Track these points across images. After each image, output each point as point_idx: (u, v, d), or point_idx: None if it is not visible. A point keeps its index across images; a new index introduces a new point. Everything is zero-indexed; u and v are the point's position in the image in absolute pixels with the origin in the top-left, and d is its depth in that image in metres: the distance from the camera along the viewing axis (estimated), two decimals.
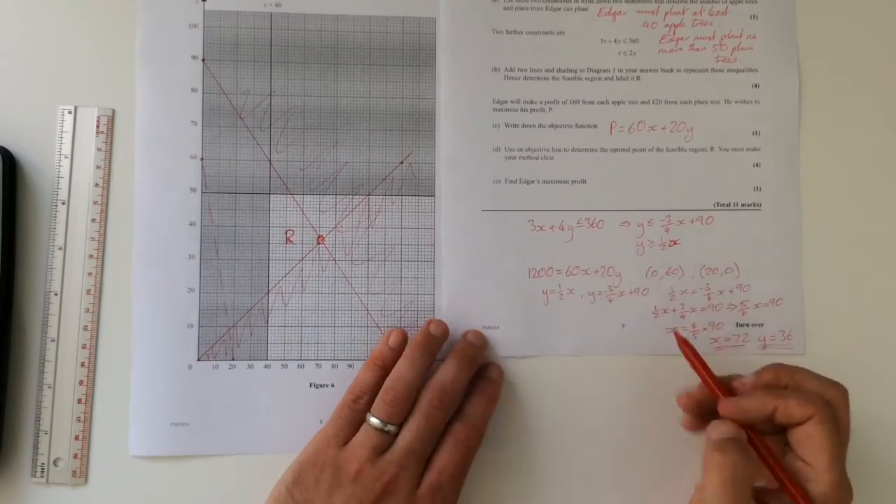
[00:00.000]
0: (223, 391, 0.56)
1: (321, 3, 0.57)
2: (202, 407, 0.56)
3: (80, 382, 0.56)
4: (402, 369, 0.53)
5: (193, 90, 0.57)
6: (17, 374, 0.56)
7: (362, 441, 0.52)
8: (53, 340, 0.56)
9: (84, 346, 0.56)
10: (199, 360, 0.56)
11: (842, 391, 0.50)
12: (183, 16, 0.57)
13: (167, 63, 0.57)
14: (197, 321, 0.57)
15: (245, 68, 0.57)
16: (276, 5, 0.57)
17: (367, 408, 0.53)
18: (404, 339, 0.55)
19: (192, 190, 0.57)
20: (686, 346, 0.53)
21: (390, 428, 0.52)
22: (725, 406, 0.50)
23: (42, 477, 0.55)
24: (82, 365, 0.56)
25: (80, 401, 0.56)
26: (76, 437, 0.55)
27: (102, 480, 0.56)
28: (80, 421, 0.56)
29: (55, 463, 0.55)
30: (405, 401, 0.52)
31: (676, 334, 0.54)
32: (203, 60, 0.57)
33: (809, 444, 0.48)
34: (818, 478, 0.47)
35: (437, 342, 0.55)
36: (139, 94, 0.57)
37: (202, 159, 0.57)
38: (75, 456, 0.55)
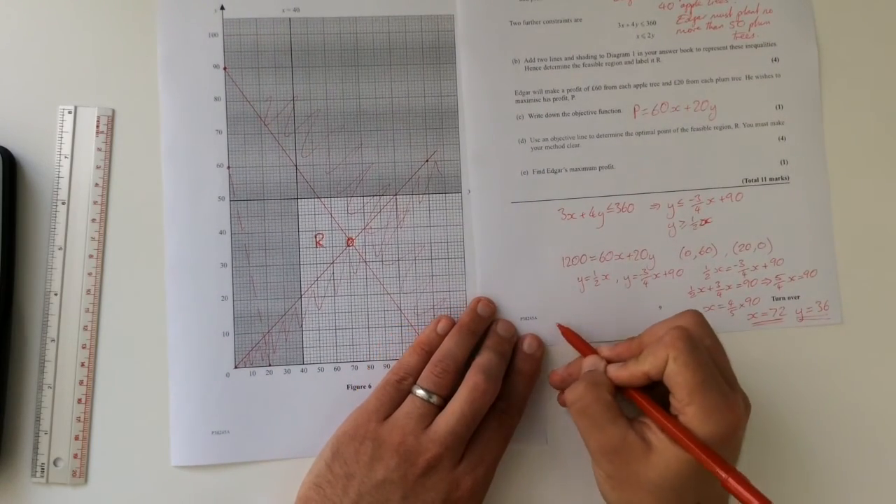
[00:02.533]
0: (261, 397, 0.56)
1: (339, 5, 0.58)
2: (242, 414, 0.56)
3: (80, 382, 0.56)
4: (451, 346, 0.54)
5: (217, 99, 0.57)
6: (17, 374, 0.56)
7: (408, 411, 0.52)
8: (53, 340, 0.55)
9: (84, 346, 0.56)
10: (235, 367, 0.56)
11: (692, 315, 0.51)
12: (202, 26, 0.57)
13: (189, 73, 0.57)
14: (232, 329, 0.56)
15: (266, 75, 0.57)
16: (294, 10, 0.57)
17: (411, 389, 0.54)
18: (452, 326, 0.56)
19: (221, 199, 0.57)
20: (570, 334, 0.56)
21: (435, 399, 0.52)
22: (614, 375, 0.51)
23: (42, 477, 0.55)
24: (82, 365, 0.56)
25: (79, 401, 0.55)
26: (76, 437, 0.55)
27: (102, 481, 0.56)
28: (79, 421, 0.55)
29: (55, 463, 0.55)
30: (453, 374, 0.53)
31: (559, 326, 0.57)
32: (225, 69, 0.57)
33: (671, 382, 0.48)
34: (682, 411, 0.47)
35: (484, 322, 0.56)
36: (163, 105, 0.57)
37: (229, 167, 0.57)
38: (75, 456, 0.55)
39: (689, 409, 0.47)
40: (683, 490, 0.48)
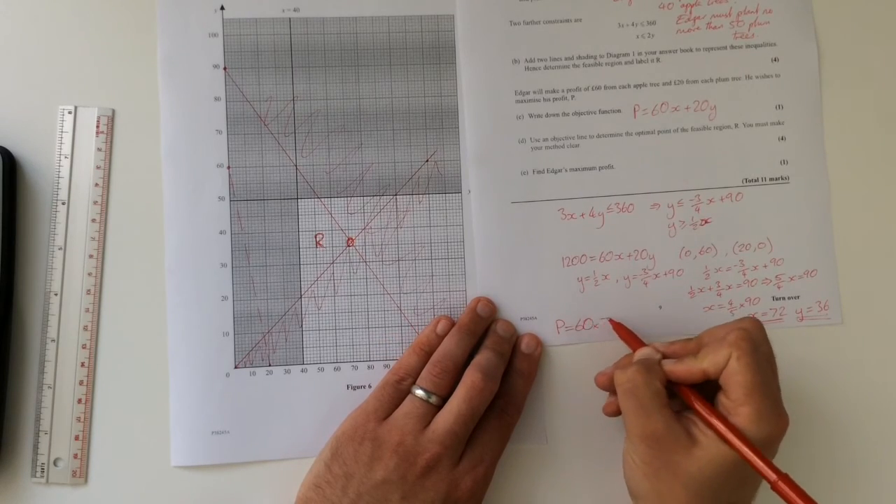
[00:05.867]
0: (261, 397, 0.56)
1: (339, 5, 0.58)
2: (241, 414, 0.56)
3: (80, 382, 0.56)
4: (450, 346, 0.54)
5: (217, 99, 0.57)
6: (17, 374, 0.56)
7: (407, 411, 0.52)
8: (53, 340, 0.56)
9: (84, 346, 0.56)
10: (236, 367, 0.56)
11: (753, 321, 0.50)
12: (202, 25, 0.57)
13: (189, 73, 0.57)
14: (232, 329, 0.56)
15: (267, 75, 0.57)
16: (295, 10, 0.57)
17: (410, 389, 0.54)
18: (452, 326, 0.56)
19: (221, 199, 0.57)
20: (622, 330, 0.56)
21: (434, 399, 0.53)
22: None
23: (42, 477, 0.55)
24: (82, 365, 0.56)
25: (80, 401, 0.55)
26: (76, 437, 0.55)
27: (103, 481, 0.56)
28: (80, 421, 0.55)
29: (55, 463, 0.55)
30: (452, 374, 0.53)
31: (610, 321, 0.57)
32: (225, 69, 0.57)
33: (729, 381, 0.48)
34: (735, 411, 0.47)
35: (483, 322, 0.56)
36: (163, 105, 0.57)
37: (229, 167, 0.57)
38: (75, 456, 0.55)
39: (744, 409, 0.47)
40: (720, 488, 0.48)
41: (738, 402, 0.47)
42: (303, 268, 0.57)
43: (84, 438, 0.55)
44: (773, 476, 0.45)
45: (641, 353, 0.53)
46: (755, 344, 0.48)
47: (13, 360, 0.56)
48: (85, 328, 0.56)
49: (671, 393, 0.50)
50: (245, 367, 0.56)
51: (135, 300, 0.56)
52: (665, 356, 0.52)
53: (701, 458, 0.47)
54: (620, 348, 0.56)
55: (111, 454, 0.56)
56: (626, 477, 0.51)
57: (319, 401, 0.56)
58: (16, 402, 0.55)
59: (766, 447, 0.47)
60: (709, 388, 0.50)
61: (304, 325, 0.57)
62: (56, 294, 0.56)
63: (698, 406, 0.49)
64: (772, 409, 0.48)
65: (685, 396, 0.50)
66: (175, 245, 0.56)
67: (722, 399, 0.49)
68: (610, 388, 0.54)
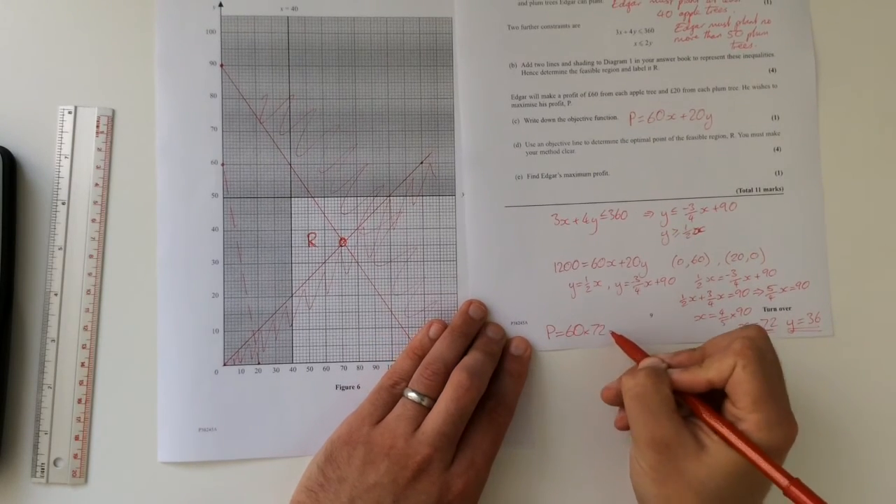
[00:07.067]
0: (250, 395, 0.56)
1: (337, 5, 0.58)
2: (229, 412, 0.56)
3: (80, 382, 0.56)
4: (442, 349, 0.54)
5: (213, 96, 0.57)
6: (17, 374, 0.56)
7: (399, 414, 0.52)
8: (53, 340, 0.55)
9: (84, 346, 0.56)
10: (224, 364, 0.56)
11: (758, 329, 0.50)
12: (200, 22, 0.57)
13: (186, 69, 0.57)
14: (222, 326, 0.56)
15: (263, 73, 0.57)
16: (293, 9, 0.57)
17: (403, 393, 0.53)
18: (444, 330, 0.56)
19: (214, 195, 0.57)
20: (624, 342, 0.55)
21: (426, 401, 0.52)
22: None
23: (42, 477, 0.55)
24: (82, 365, 0.56)
25: (80, 401, 0.55)
26: (76, 437, 0.55)
27: (102, 480, 0.56)
28: (80, 421, 0.55)
29: (55, 463, 0.55)
30: (443, 376, 0.53)
31: (612, 334, 0.56)
32: (221, 66, 0.57)
33: (736, 390, 0.48)
34: (744, 419, 0.48)
35: (475, 325, 0.56)
36: (158, 101, 0.57)
37: (223, 164, 0.57)
38: (75, 456, 0.55)
39: (752, 416, 0.47)
40: (729, 496, 0.48)
41: (745, 409, 0.47)
42: (294, 266, 0.57)
43: (84, 438, 0.55)
44: (784, 481, 0.45)
45: (648, 361, 0.53)
46: (760, 352, 0.48)
47: (13, 360, 0.56)
48: (85, 328, 0.56)
49: (678, 402, 0.50)
50: (234, 364, 0.56)
51: (134, 300, 0.56)
52: (670, 366, 0.52)
53: (710, 465, 0.48)
54: (610, 354, 0.56)
55: (111, 454, 0.56)
56: (633, 482, 0.51)
57: (308, 400, 0.56)
58: (16, 402, 0.55)
59: (775, 455, 0.47)
60: (716, 397, 0.50)
61: (294, 324, 0.57)
62: (56, 294, 0.56)
63: (706, 415, 0.49)
64: (781, 416, 0.48)
65: (692, 405, 0.50)
66: (167, 241, 0.56)
67: (729, 407, 0.49)
68: (616, 401, 0.54)
